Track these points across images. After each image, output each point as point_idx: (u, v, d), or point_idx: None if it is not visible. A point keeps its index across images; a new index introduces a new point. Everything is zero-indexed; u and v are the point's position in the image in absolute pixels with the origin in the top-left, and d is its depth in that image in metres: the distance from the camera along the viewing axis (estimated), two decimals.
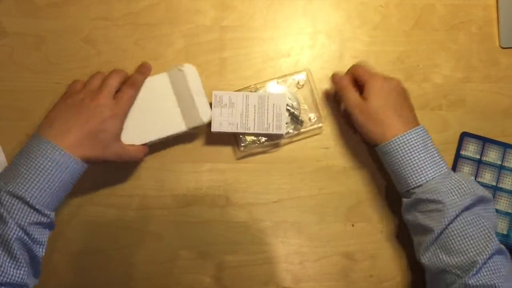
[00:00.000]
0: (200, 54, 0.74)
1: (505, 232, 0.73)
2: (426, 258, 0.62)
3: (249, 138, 0.71)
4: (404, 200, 0.66)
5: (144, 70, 0.69)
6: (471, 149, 0.74)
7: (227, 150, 0.73)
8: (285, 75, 0.73)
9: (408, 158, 0.63)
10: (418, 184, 0.63)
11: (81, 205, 0.72)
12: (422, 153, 0.64)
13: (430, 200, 0.62)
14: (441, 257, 0.61)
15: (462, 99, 0.75)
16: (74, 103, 0.63)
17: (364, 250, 0.72)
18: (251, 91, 0.71)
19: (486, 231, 0.61)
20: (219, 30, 0.74)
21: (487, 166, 0.74)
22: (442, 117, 0.75)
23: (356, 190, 0.73)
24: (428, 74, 0.75)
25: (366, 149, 0.74)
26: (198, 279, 0.72)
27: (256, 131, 0.69)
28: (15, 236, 0.56)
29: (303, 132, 0.73)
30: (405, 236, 0.70)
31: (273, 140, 0.72)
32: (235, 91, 0.70)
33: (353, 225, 0.73)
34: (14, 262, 0.57)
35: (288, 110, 0.71)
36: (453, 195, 0.62)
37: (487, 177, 0.74)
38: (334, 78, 0.70)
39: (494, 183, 0.74)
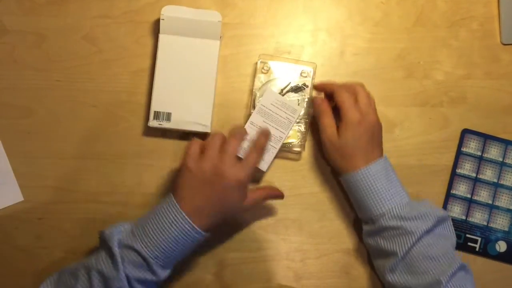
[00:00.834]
0: None
1: (506, 229, 0.73)
2: (392, 278, 0.64)
3: None
4: (366, 226, 0.68)
5: (266, 133, 0.67)
6: (472, 146, 0.74)
7: None
8: (296, 60, 0.73)
9: (371, 189, 0.65)
10: (382, 212, 0.65)
11: (83, 202, 0.72)
12: (385, 183, 0.65)
13: (393, 227, 0.64)
14: (406, 277, 0.63)
15: (463, 96, 0.75)
16: (199, 177, 0.61)
17: (366, 247, 0.72)
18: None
19: (448, 251, 0.63)
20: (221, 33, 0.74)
21: (488, 163, 0.74)
22: (443, 114, 0.75)
23: None
24: (429, 71, 0.75)
25: None
26: (200, 276, 0.72)
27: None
28: (120, 285, 0.58)
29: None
30: None
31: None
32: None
33: (354, 223, 0.73)
34: None
35: (288, 91, 0.71)
36: (415, 221, 0.63)
37: (488, 174, 0.74)
38: (316, 101, 0.70)
39: (495, 180, 0.74)
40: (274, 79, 0.72)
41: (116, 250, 0.59)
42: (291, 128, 0.70)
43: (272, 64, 0.72)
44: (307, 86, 0.72)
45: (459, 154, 0.74)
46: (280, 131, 0.70)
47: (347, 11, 0.76)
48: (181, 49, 0.71)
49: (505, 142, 0.74)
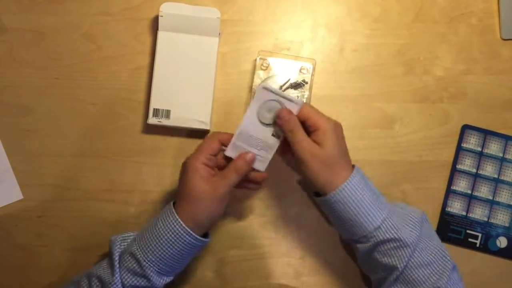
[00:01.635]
0: None
1: (507, 225, 0.73)
2: None
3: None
4: (360, 246, 0.62)
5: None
6: (472, 142, 0.74)
7: None
8: (296, 56, 0.73)
9: (361, 203, 0.60)
10: (376, 226, 0.60)
11: (83, 200, 0.72)
12: (369, 193, 0.61)
13: (390, 239, 0.60)
14: None
15: (463, 91, 0.75)
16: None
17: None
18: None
19: (439, 251, 0.61)
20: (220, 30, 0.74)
21: (488, 158, 0.74)
22: (443, 109, 0.75)
23: None
24: (429, 67, 0.75)
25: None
26: (200, 274, 0.72)
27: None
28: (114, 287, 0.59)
29: None
30: None
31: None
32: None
33: None
34: None
35: (287, 87, 0.71)
36: (406, 228, 0.61)
37: (489, 169, 0.74)
38: (283, 115, 0.61)
39: (495, 176, 0.73)
40: (273, 76, 0.72)
41: (116, 255, 0.60)
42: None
43: (271, 60, 0.72)
44: (306, 83, 0.72)
45: (459, 149, 0.74)
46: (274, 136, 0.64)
47: (346, 7, 0.75)
48: (180, 46, 0.71)
49: (505, 138, 0.74)
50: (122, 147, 0.73)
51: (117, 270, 0.59)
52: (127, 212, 0.72)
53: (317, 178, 0.61)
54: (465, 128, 0.74)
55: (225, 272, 0.72)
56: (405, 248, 0.59)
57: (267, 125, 0.63)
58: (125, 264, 0.60)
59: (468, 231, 0.73)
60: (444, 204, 0.73)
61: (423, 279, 0.59)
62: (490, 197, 0.73)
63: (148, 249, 0.60)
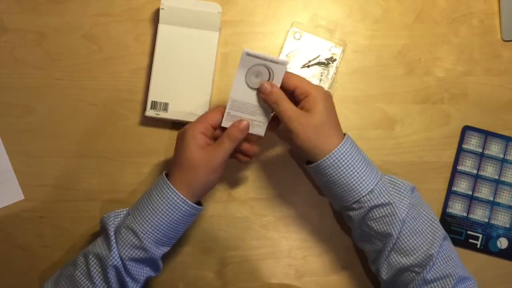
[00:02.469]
0: None
1: (507, 226, 0.73)
2: (388, 264, 0.62)
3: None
4: (353, 213, 0.62)
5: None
6: (473, 143, 0.74)
7: None
8: (330, 36, 0.73)
9: (353, 166, 0.61)
10: (368, 190, 0.60)
11: (84, 201, 0.72)
12: (361, 158, 0.62)
13: (383, 204, 0.60)
14: (398, 259, 0.61)
15: (464, 92, 0.75)
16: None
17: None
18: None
19: (431, 220, 0.62)
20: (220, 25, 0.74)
21: (489, 159, 0.74)
22: (444, 110, 0.75)
23: None
24: (429, 68, 0.75)
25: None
26: (201, 274, 0.72)
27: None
28: (113, 263, 0.59)
29: None
30: None
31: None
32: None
33: None
34: (106, 286, 0.60)
35: (314, 64, 0.71)
36: (398, 195, 0.61)
37: (489, 170, 0.74)
38: (263, 88, 0.61)
39: (496, 177, 0.74)
40: (302, 48, 0.72)
41: (111, 230, 0.60)
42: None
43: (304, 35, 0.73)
44: (333, 61, 0.73)
45: (460, 150, 0.74)
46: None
47: (348, 8, 0.76)
48: (180, 40, 0.71)
49: (506, 139, 0.74)
50: (123, 148, 0.73)
51: (114, 244, 0.59)
52: None
53: (307, 145, 0.61)
54: (466, 129, 0.74)
55: (226, 273, 0.72)
56: (397, 214, 0.60)
57: (257, 89, 0.62)
58: (122, 238, 0.60)
59: (468, 232, 0.73)
60: (445, 205, 0.73)
61: (416, 246, 0.60)
62: (491, 198, 0.73)
63: (145, 221, 0.60)
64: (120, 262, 0.59)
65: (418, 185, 0.73)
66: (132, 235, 0.60)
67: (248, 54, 0.61)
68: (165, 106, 0.70)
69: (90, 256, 0.60)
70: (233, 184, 0.73)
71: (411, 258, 0.60)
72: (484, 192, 0.73)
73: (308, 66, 0.72)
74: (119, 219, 0.62)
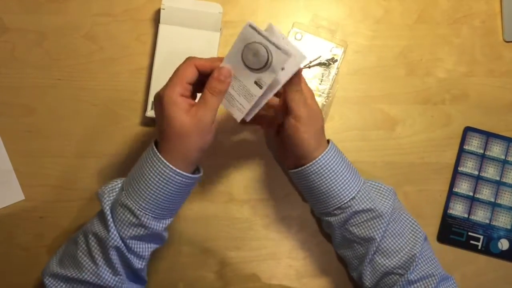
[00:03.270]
0: None
1: (509, 227, 0.73)
2: (370, 269, 0.62)
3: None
4: (333, 219, 0.63)
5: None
6: (474, 144, 0.74)
7: (228, 146, 0.73)
8: (331, 37, 0.73)
9: (336, 174, 0.60)
10: (351, 196, 0.61)
11: (84, 201, 0.72)
12: (344, 165, 0.61)
13: (366, 210, 0.61)
14: (382, 262, 0.61)
15: (465, 93, 0.75)
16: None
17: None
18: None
19: (411, 221, 0.63)
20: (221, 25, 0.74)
21: (490, 160, 0.74)
22: (445, 111, 0.74)
23: None
24: (431, 69, 0.75)
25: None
26: (201, 275, 0.72)
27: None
28: (113, 244, 0.57)
29: None
30: None
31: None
32: None
33: None
34: (110, 269, 0.58)
35: (315, 64, 0.71)
36: (380, 199, 0.62)
37: (491, 171, 0.73)
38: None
39: (497, 178, 0.73)
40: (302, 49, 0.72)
41: (107, 209, 0.58)
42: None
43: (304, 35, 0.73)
44: (335, 61, 0.72)
45: (461, 152, 0.74)
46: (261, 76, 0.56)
47: (348, 9, 0.75)
48: (181, 40, 0.71)
49: (508, 140, 0.74)
50: (123, 148, 0.73)
51: (111, 224, 0.57)
52: None
53: (307, 143, 0.60)
54: (467, 130, 0.74)
55: (226, 274, 0.72)
56: (380, 218, 0.60)
57: (251, 69, 0.56)
58: (119, 217, 0.57)
59: (470, 233, 0.73)
60: (446, 206, 0.73)
61: (399, 248, 0.61)
62: (492, 199, 0.73)
63: (139, 197, 0.56)
64: (120, 242, 0.57)
65: (419, 186, 0.73)
66: (128, 213, 0.57)
67: (251, 27, 0.55)
68: None
69: (90, 236, 0.58)
70: (234, 185, 0.73)
71: (395, 259, 0.60)
72: (485, 193, 0.73)
73: (309, 67, 0.72)
74: (114, 194, 0.59)
